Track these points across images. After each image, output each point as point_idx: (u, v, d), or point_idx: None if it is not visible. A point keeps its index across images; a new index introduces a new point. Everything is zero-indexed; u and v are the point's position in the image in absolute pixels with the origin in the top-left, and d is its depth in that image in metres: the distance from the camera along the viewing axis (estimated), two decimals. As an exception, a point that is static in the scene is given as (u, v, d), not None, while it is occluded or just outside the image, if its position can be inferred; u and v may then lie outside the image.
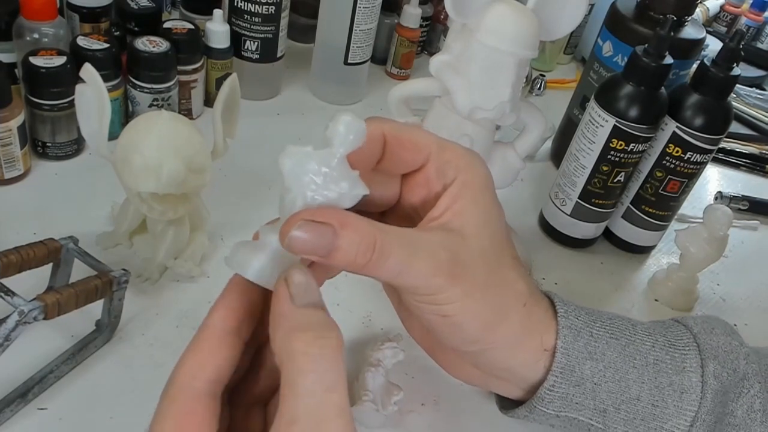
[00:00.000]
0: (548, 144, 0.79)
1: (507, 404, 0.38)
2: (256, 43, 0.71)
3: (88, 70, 0.44)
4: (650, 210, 0.64)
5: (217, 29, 0.68)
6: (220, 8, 0.69)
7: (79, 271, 0.45)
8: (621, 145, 0.58)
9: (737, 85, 0.70)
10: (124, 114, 0.64)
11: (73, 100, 0.47)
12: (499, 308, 0.30)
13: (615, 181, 0.60)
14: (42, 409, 0.42)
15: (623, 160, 0.59)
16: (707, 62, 0.57)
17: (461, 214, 0.29)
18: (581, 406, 0.33)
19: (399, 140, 0.29)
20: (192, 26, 0.66)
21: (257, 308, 0.27)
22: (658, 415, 0.33)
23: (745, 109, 0.98)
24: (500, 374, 0.34)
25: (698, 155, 0.59)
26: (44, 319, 0.39)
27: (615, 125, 0.57)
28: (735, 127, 0.93)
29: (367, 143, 0.27)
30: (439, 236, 0.28)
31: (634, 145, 0.58)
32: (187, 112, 0.68)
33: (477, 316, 0.30)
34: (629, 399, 0.32)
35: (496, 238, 0.30)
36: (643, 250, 0.68)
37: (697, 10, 1.08)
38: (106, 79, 0.50)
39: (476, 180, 0.30)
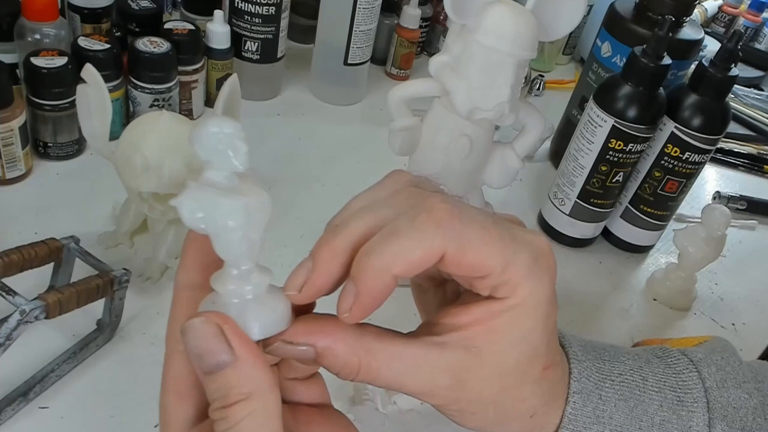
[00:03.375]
0: (547, 144, 0.80)
1: None
2: (256, 44, 0.71)
3: (89, 71, 0.44)
4: (649, 210, 0.64)
5: (218, 30, 0.68)
6: (220, 9, 0.69)
7: (80, 270, 0.45)
8: (619, 145, 0.58)
9: (735, 86, 0.70)
10: (125, 114, 0.64)
11: (74, 100, 0.47)
12: (501, 420, 0.30)
13: (613, 180, 0.61)
14: (43, 408, 0.42)
15: (622, 160, 0.59)
16: (705, 63, 0.57)
17: (492, 333, 0.27)
18: None
19: (459, 264, 0.25)
20: (193, 27, 0.66)
21: (215, 257, 0.25)
22: None
23: (743, 109, 0.98)
24: None
25: (696, 155, 0.60)
26: (45, 318, 0.39)
27: (614, 125, 0.57)
28: (733, 127, 0.93)
29: (414, 266, 0.25)
30: (449, 356, 0.27)
31: (632, 145, 0.58)
32: (188, 113, 0.69)
33: (478, 423, 0.30)
34: None
35: (527, 356, 0.29)
36: (642, 250, 0.68)
37: (696, 10, 1.08)
38: (107, 79, 0.51)
39: (530, 302, 0.27)
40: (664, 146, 0.60)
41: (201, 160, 0.22)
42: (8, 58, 0.59)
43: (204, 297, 0.24)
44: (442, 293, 0.32)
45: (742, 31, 0.61)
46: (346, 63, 0.75)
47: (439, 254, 0.25)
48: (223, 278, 0.24)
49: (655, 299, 0.64)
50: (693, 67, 0.60)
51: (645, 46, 0.56)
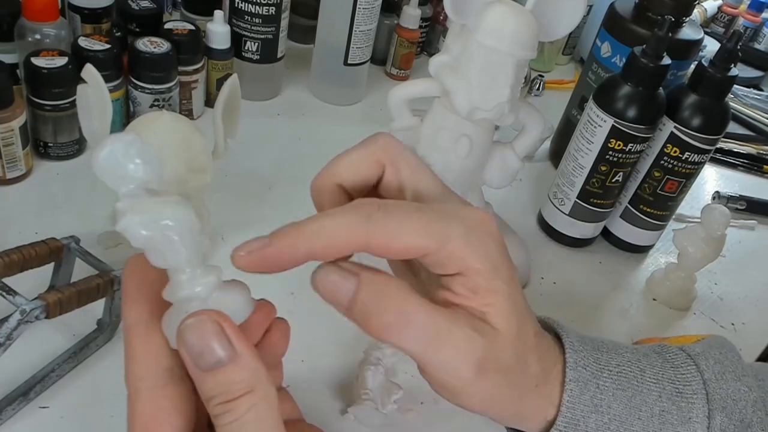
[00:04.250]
0: (547, 144, 0.80)
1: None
2: (256, 44, 0.72)
3: (89, 71, 0.44)
4: (648, 210, 0.64)
5: (218, 30, 0.68)
6: (220, 9, 0.69)
7: (80, 270, 0.45)
8: (619, 145, 0.58)
9: (735, 86, 0.71)
10: (126, 114, 0.64)
11: (74, 100, 0.47)
12: (518, 397, 0.30)
13: (613, 180, 0.61)
14: (44, 407, 0.42)
15: (621, 160, 0.59)
16: (705, 63, 0.57)
17: (494, 307, 0.27)
18: None
19: (387, 249, 0.26)
20: (193, 27, 0.66)
21: (157, 285, 0.26)
22: None
23: (743, 109, 0.98)
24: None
25: (696, 155, 0.60)
26: (46, 318, 0.39)
27: (613, 125, 0.57)
28: (732, 127, 0.93)
29: (339, 252, 0.25)
30: (471, 329, 0.27)
31: (632, 145, 0.58)
32: (188, 113, 0.69)
33: (494, 407, 0.30)
34: None
35: (523, 321, 0.29)
36: (642, 250, 0.68)
37: (695, 11, 1.08)
38: (107, 79, 0.51)
39: (486, 265, 0.27)
40: (664, 146, 0.60)
41: (109, 183, 0.22)
42: (8, 58, 0.59)
43: (156, 330, 0.24)
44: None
45: (742, 31, 0.61)
46: (346, 63, 0.75)
47: (361, 241, 0.25)
48: (175, 287, 0.24)
49: (654, 299, 0.64)
50: (692, 67, 0.60)
51: (645, 46, 0.56)
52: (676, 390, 0.34)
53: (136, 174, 0.22)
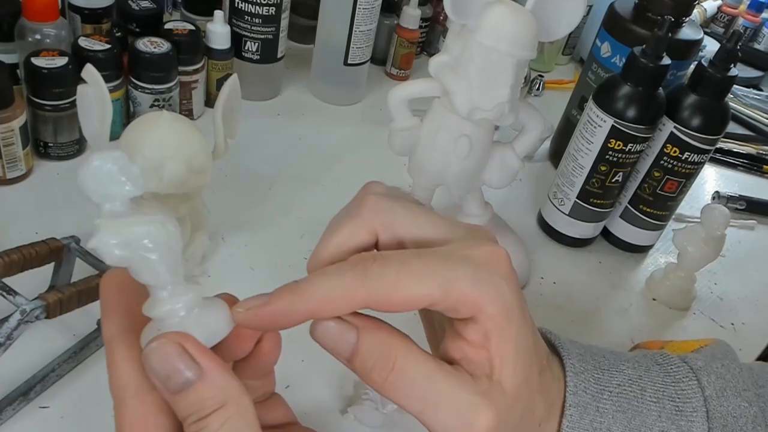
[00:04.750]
0: (547, 144, 0.80)
1: None
2: (256, 44, 0.72)
3: (89, 71, 0.44)
4: (648, 210, 0.64)
5: (218, 30, 0.68)
6: (220, 9, 0.69)
7: (80, 270, 0.45)
8: (619, 145, 0.58)
9: (734, 86, 0.71)
10: (126, 114, 0.64)
11: (74, 100, 0.47)
12: None
13: (613, 180, 0.61)
14: (44, 407, 0.42)
15: (621, 160, 0.59)
16: (705, 63, 0.57)
17: (503, 359, 0.26)
18: None
19: (390, 303, 0.25)
20: (193, 27, 0.66)
21: (135, 296, 0.26)
22: None
23: (743, 109, 0.98)
24: None
25: (696, 155, 0.60)
26: (46, 318, 0.39)
27: (613, 125, 0.58)
28: (732, 127, 0.93)
29: (333, 311, 0.25)
30: (475, 394, 0.26)
31: (632, 145, 0.58)
32: (188, 113, 0.69)
33: None
34: None
35: (530, 364, 0.28)
36: (641, 250, 0.68)
37: (695, 11, 1.08)
38: (107, 79, 0.51)
39: (497, 308, 0.26)
40: (664, 146, 0.60)
41: (94, 199, 0.22)
42: (9, 59, 0.59)
43: (136, 339, 0.25)
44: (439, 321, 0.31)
45: (742, 31, 0.61)
46: (346, 63, 0.75)
47: (360, 299, 0.25)
48: (155, 303, 0.24)
49: (654, 299, 0.64)
50: (692, 67, 0.60)
51: (644, 46, 0.56)
52: (676, 408, 0.33)
53: (119, 191, 0.22)
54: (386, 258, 0.25)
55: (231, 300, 0.27)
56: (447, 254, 0.26)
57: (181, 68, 0.65)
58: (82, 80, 0.45)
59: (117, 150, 0.23)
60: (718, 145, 0.62)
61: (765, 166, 0.89)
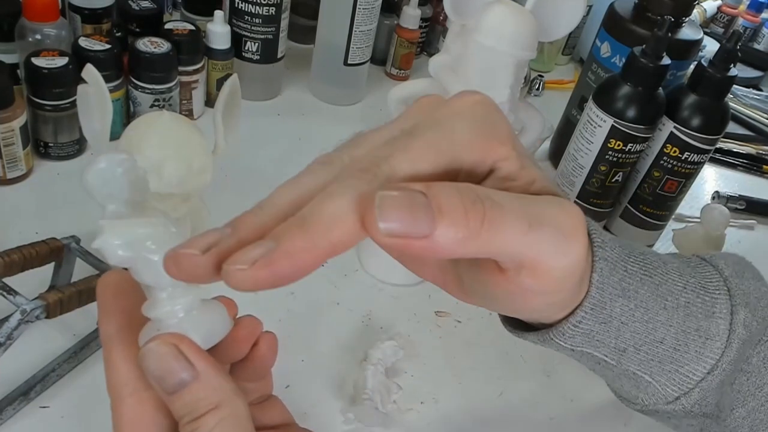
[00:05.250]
0: (546, 144, 0.80)
1: (513, 321, 0.33)
2: (256, 44, 0.72)
3: (89, 71, 0.44)
4: (648, 209, 0.64)
5: (218, 30, 0.68)
6: (220, 9, 0.69)
7: (80, 270, 0.45)
8: (619, 145, 0.58)
9: (734, 86, 0.71)
10: (126, 114, 0.64)
11: (74, 100, 0.47)
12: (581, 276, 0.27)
13: (613, 180, 0.61)
14: (44, 407, 0.42)
15: (621, 160, 0.59)
16: (704, 63, 0.58)
17: (536, 182, 0.25)
18: (601, 344, 0.30)
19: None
20: (193, 27, 0.66)
21: (132, 296, 0.26)
22: (678, 359, 0.31)
23: (742, 109, 0.98)
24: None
25: (696, 155, 0.60)
26: (46, 318, 0.39)
27: (613, 125, 0.58)
28: (732, 127, 0.93)
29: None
30: (550, 198, 0.24)
31: (631, 145, 0.58)
32: (188, 113, 0.69)
33: (574, 288, 0.27)
34: (653, 341, 0.30)
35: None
36: (641, 250, 0.68)
37: (695, 11, 1.08)
38: (107, 79, 0.51)
39: (513, 145, 0.24)
40: (664, 146, 0.60)
41: (98, 200, 0.22)
42: (9, 59, 0.59)
43: (133, 338, 0.25)
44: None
45: (741, 31, 0.61)
46: (346, 63, 0.75)
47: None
48: (154, 304, 0.24)
49: (654, 299, 0.64)
50: (692, 67, 0.60)
51: (644, 46, 0.56)
52: (700, 284, 0.32)
53: (123, 193, 0.23)
54: (385, 147, 0.22)
55: (228, 303, 0.27)
56: (437, 123, 0.24)
57: (181, 68, 0.65)
58: (82, 80, 0.45)
59: (122, 152, 0.23)
60: (717, 145, 0.62)
61: (765, 166, 0.89)
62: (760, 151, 0.91)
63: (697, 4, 1.18)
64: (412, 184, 0.20)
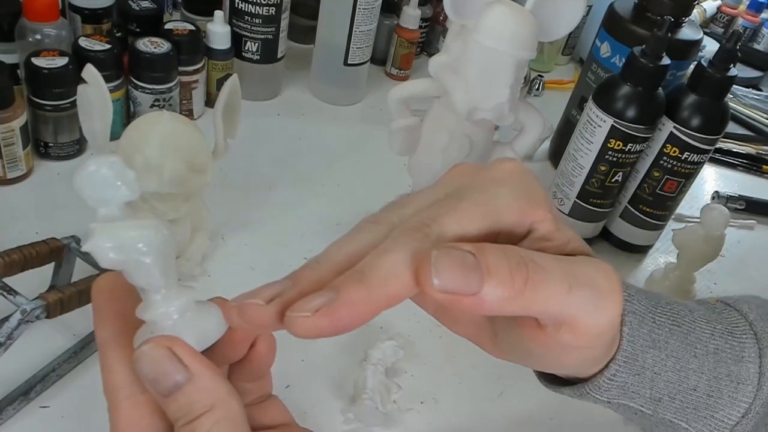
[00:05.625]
0: (546, 144, 0.80)
1: (549, 377, 0.34)
2: (256, 44, 0.72)
3: (89, 71, 0.44)
4: (648, 209, 0.64)
5: (218, 30, 0.68)
6: (220, 9, 0.69)
7: (81, 270, 0.45)
8: (619, 145, 0.58)
9: (734, 86, 0.71)
10: (126, 114, 0.64)
11: (75, 100, 0.47)
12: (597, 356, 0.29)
13: (613, 180, 0.61)
14: (44, 407, 0.42)
15: (621, 160, 0.59)
16: (704, 63, 0.58)
17: (570, 243, 0.26)
18: (637, 395, 0.31)
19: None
20: (193, 27, 0.66)
21: (126, 300, 0.26)
22: (712, 405, 0.32)
23: (742, 109, 0.98)
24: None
25: (695, 155, 0.60)
26: (46, 318, 0.39)
27: (613, 125, 0.58)
28: (732, 127, 0.93)
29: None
30: (586, 258, 0.26)
31: (631, 145, 0.58)
32: (188, 113, 0.69)
33: (599, 348, 0.28)
34: (686, 388, 0.31)
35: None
36: (641, 250, 0.68)
37: (694, 11, 1.08)
38: (107, 79, 0.51)
39: (548, 207, 0.26)
40: (663, 146, 0.60)
41: (89, 203, 0.23)
42: (9, 59, 0.59)
43: (128, 342, 0.25)
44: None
45: (741, 31, 0.61)
46: (346, 63, 0.76)
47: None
48: (148, 306, 0.24)
49: (654, 299, 0.64)
50: (692, 67, 0.60)
51: (644, 46, 0.56)
52: (727, 330, 0.33)
53: (114, 196, 0.23)
54: (433, 209, 0.24)
55: (225, 304, 0.27)
56: (480, 189, 0.25)
57: (181, 68, 0.65)
58: (82, 80, 0.45)
59: (113, 155, 0.23)
60: (717, 145, 0.62)
61: (764, 166, 0.89)
62: (760, 151, 0.91)
63: (697, 4, 1.18)
64: (462, 244, 0.22)
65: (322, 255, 0.24)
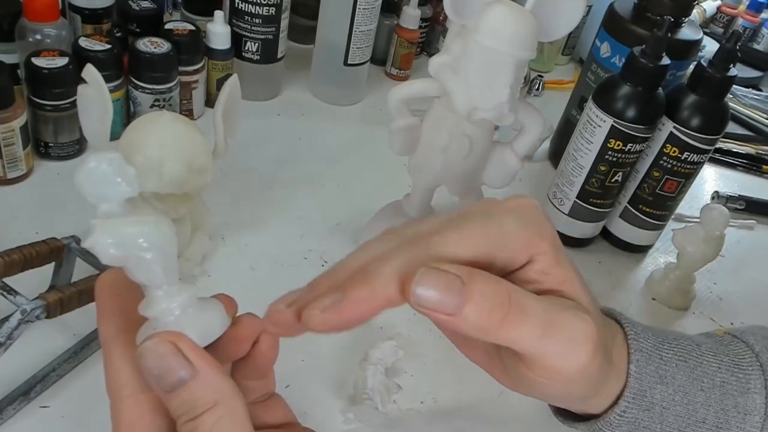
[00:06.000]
0: (546, 144, 0.80)
1: (562, 411, 0.36)
2: (256, 44, 0.72)
3: (90, 71, 0.44)
4: (648, 209, 0.64)
5: (218, 30, 0.68)
6: (221, 9, 0.69)
7: (81, 270, 0.45)
8: (618, 145, 0.58)
9: (734, 86, 0.71)
10: (126, 114, 0.64)
11: (75, 100, 0.47)
12: (605, 375, 0.30)
13: (613, 180, 0.61)
14: (44, 407, 0.42)
15: (621, 160, 0.59)
16: (704, 63, 0.58)
17: (572, 281, 0.27)
18: (648, 430, 0.33)
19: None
20: (193, 27, 0.66)
21: (129, 298, 0.26)
22: None
23: (742, 109, 0.98)
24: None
25: (695, 155, 0.60)
26: (46, 317, 0.39)
27: (613, 125, 0.58)
28: (731, 127, 0.93)
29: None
30: (577, 309, 0.27)
31: (631, 145, 0.58)
32: (188, 113, 0.69)
33: (590, 389, 0.29)
34: (695, 422, 0.32)
35: (591, 293, 0.29)
36: (641, 250, 0.68)
37: (694, 11, 1.08)
38: (107, 79, 0.51)
39: (552, 244, 0.27)
40: (663, 146, 0.60)
41: (90, 199, 0.23)
42: (9, 59, 0.59)
43: (132, 339, 0.25)
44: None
45: (741, 31, 0.61)
46: (346, 63, 0.76)
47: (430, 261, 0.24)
48: (150, 302, 0.24)
49: (654, 299, 0.64)
50: (692, 67, 0.60)
51: (644, 46, 0.56)
52: (733, 362, 0.34)
53: (114, 192, 0.23)
54: (440, 225, 0.26)
55: (228, 301, 0.27)
56: (489, 214, 0.27)
57: (181, 68, 0.65)
58: (82, 80, 0.45)
59: (113, 151, 0.23)
60: (717, 145, 0.62)
61: (764, 166, 0.89)
62: (760, 151, 0.92)
63: (697, 4, 1.18)
64: (454, 266, 0.24)
65: (339, 263, 0.26)
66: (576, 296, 0.27)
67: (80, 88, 0.45)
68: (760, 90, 1.08)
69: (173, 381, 0.23)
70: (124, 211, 0.23)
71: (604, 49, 0.68)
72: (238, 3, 0.69)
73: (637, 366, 0.31)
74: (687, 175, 0.62)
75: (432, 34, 0.92)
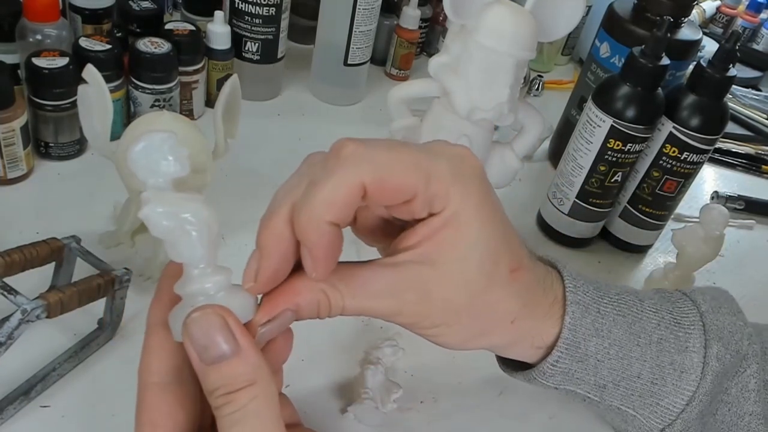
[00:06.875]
0: (546, 144, 0.80)
1: (507, 361, 0.37)
2: (256, 45, 0.72)
3: (90, 71, 0.45)
4: (647, 209, 0.65)
5: (218, 30, 0.68)
6: (221, 10, 0.69)
7: (81, 270, 0.45)
8: (618, 145, 0.58)
9: (733, 86, 0.71)
10: (126, 114, 0.64)
11: (75, 100, 0.47)
12: (481, 330, 0.30)
13: (612, 180, 0.61)
14: (45, 406, 0.42)
15: (620, 160, 0.59)
16: (704, 63, 0.58)
17: (441, 244, 0.28)
18: (581, 381, 0.33)
19: (381, 189, 0.26)
20: (193, 27, 0.66)
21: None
22: (656, 393, 0.33)
23: (741, 109, 0.98)
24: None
25: (695, 155, 0.60)
26: (47, 317, 0.39)
27: (612, 125, 0.58)
28: (731, 127, 0.93)
29: (342, 206, 0.25)
30: (406, 272, 0.28)
31: (631, 145, 0.58)
32: (189, 113, 0.69)
33: (458, 337, 0.30)
34: (630, 376, 0.33)
35: (488, 258, 0.28)
36: (640, 250, 0.68)
37: (694, 11, 1.08)
38: (108, 79, 0.51)
39: (467, 206, 0.27)
40: (663, 146, 0.60)
41: (140, 174, 0.24)
42: (10, 59, 0.59)
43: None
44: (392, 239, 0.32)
45: (740, 31, 0.61)
46: (346, 63, 0.76)
47: (360, 187, 0.25)
48: (186, 280, 0.25)
49: (653, 299, 0.64)
50: (691, 67, 0.60)
51: (643, 46, 0.56)
52: (674, 320, 0.34)
53: (166, 169, 0.24)
54: (372, 144, 0.26)
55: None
56: (428, 149, 0.27)
57: (181, 68, 0.65)
58: (82, 80, 0.45)
59: (170, 131, 0.24)
60: (717, 145, 0.62)
61: (764, 166, 0.90)
62: (759, 151, 0.92)
63: (696, 4, 1.18)
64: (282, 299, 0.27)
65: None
66: (449, 253, 0.28)
67: (81, 88, 0.45)
68: (760, 90, 1.08)
69: (216, 354, 0.23)
70: (172, 189, 0.24)
71: (604, 49, 0.68)
72: (238, 3, 0.69)
73: (572, 318, 0.31)
74: (686, 175, 0.62)
75: (432, 34, 0.92)
